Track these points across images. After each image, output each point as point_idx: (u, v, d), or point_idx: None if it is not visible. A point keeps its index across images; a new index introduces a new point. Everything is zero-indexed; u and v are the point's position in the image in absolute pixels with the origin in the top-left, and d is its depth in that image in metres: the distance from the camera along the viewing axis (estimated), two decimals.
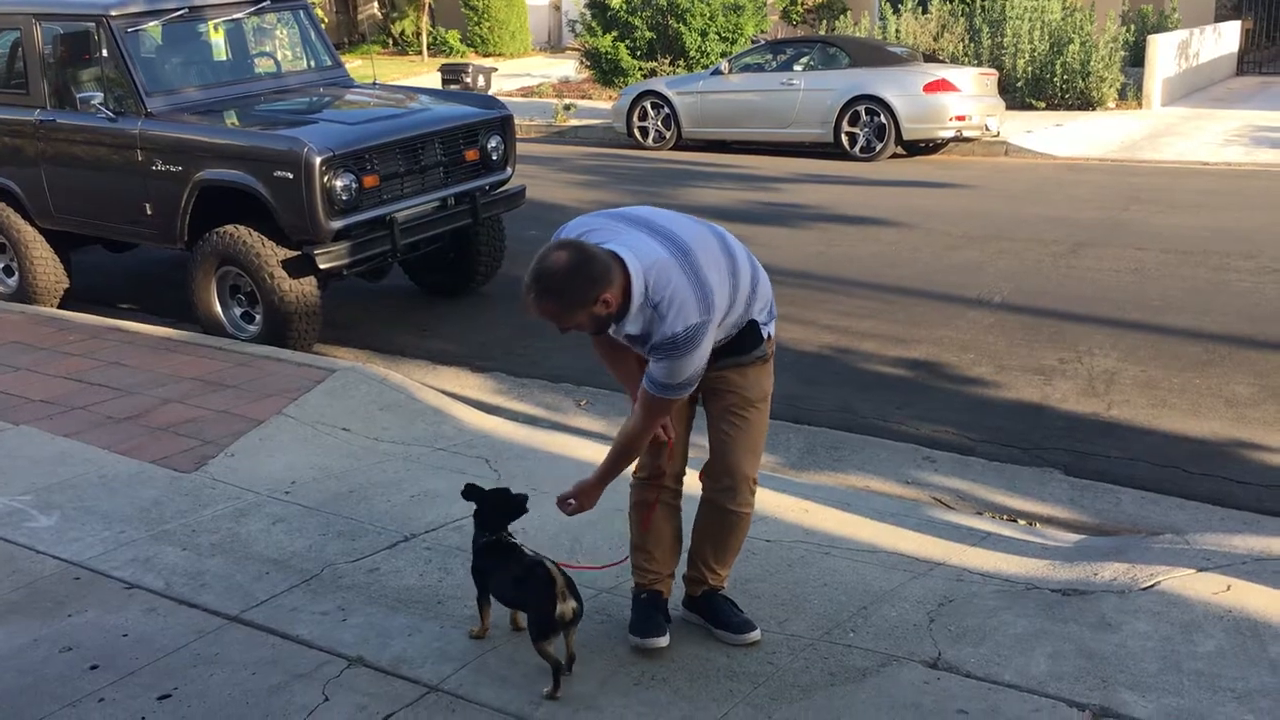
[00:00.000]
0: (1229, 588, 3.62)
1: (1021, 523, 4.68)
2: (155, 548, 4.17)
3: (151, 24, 7.30)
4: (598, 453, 5.07)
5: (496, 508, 3.47)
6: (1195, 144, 14.13)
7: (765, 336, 3.29)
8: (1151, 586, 3.66)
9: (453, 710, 3.16)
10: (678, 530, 3.51)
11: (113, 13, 7.05)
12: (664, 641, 3.40)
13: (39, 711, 3.21)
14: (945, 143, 14.26)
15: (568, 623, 3.17)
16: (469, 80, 20.03)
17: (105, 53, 7.12)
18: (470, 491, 3.50)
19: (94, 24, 7.11)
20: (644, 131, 15.59)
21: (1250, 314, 7.15)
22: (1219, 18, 20.99)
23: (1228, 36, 20.57)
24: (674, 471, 3.45)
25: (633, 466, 3.40)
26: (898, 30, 18.37)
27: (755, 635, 3.44)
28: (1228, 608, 3.50)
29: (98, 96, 7.07)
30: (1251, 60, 21.60)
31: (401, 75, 23.35)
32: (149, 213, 7.14)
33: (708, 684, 3.24)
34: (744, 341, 3.24)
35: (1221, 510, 4.77)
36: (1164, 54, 17.09)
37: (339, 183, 6.50)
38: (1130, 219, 9.91)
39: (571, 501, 3.36)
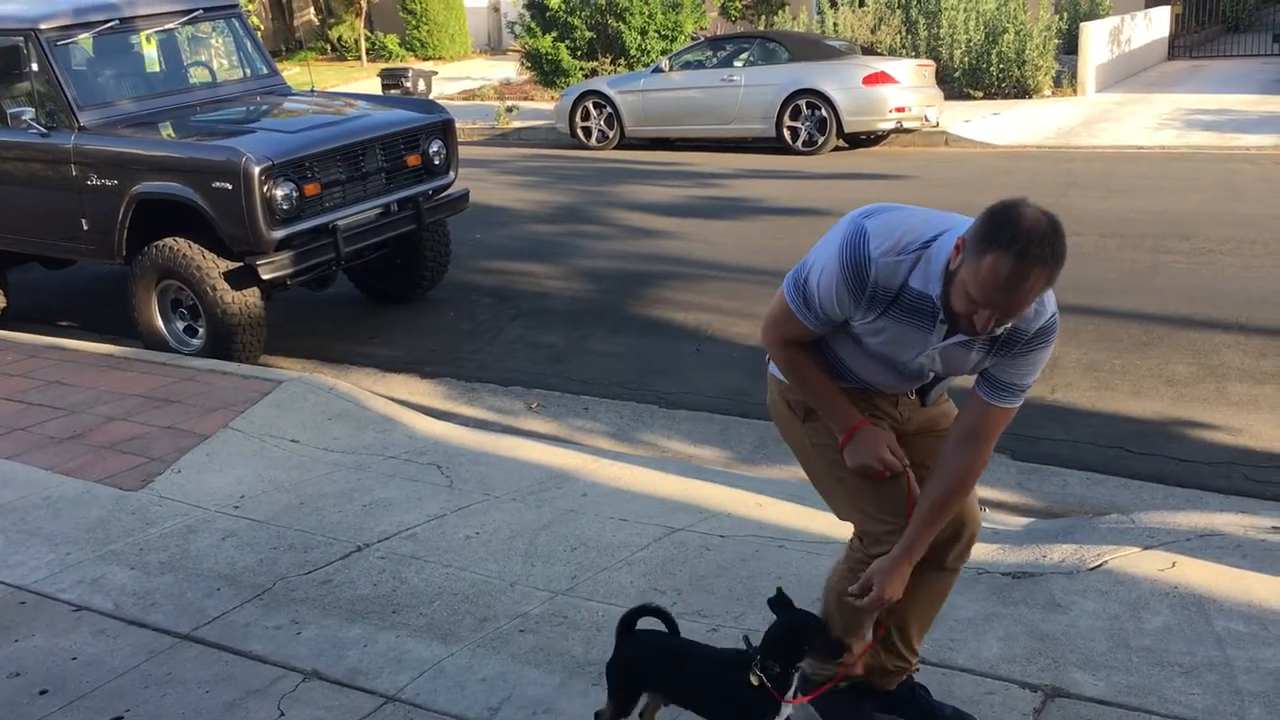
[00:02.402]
0: (1174, 564, 3.69)
1: None
2: (103, 568, 4.11)
3: (82, 36, 7.19)
4: (551, 455, 5.09)
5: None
6: (1130, 128, 14.36)
7: None
8: (1099, 566, 3.72)
9: (411, 719, 3.15)
10: None
11: (41, 26, 6.93)
12: None
13: None
14: (886, 134, 14.38)
15: None
16: (409, 85, 19.93)
17: (35, 67, 6.99)
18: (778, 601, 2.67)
19: (22, 38, 6.98)
20: (587, 131, 15.57)
21: (1188, 294, 7.28)
22: (1149, 3, 21.34)
23: (1158, 22, 20.93)
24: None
25: (858, 544, 2.80)
26: (836, 24, 18.50)
27: None
28: (1173, 584, 3.57)
29: (29, 112, 6.95)
30: (1182, 44, 21.98)
31: (341, 81, 23.16)
32: (86, 228, 7.03)
33: None
34: None
35: (1165, 488, 4.86)
36: (1096, 41, 17.36)
37: (279, 192, 6.43)
38: (1068, 204, 10.04)
39: (872, 593, 2.64)
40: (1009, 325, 2.46)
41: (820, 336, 2.69)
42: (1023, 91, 17.20)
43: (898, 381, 2.73)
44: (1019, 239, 2.29)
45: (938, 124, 14.39)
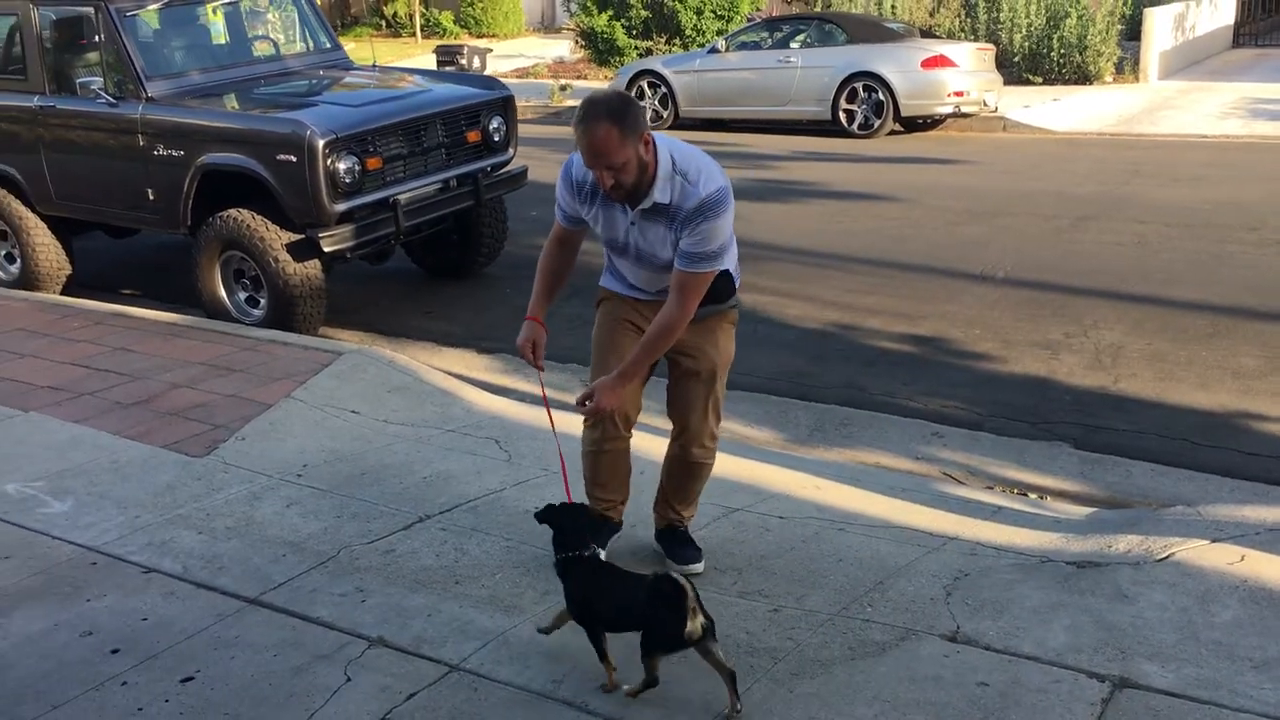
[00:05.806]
0: (1243, 558, 3.63)
1: (1033, 496, 4.70)
2: (171, 532, 4.17)
3: (150, 7, 7.27)
4: None
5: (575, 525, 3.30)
6: (1193, 117, 14.11)
7: (736, 286, 3.60)
8: (1166, 558, 3.67)
9: (475, 689, 3.17)
10: (628, 466, 3.81)
11: None
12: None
13: (61, 695, 3.22)
14: (943, 119, 14.24)
15: (697, 640, 2.93)
16: (464, 61, 19.95)
17: (104, 37, 7.08)
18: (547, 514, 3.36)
19: (92, 8, 7.07)
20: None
21: (1254, 286, 7.15)
22: None
23: (1224, 8, 20.52)
24: (625, 422, 3.69)
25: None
26: (894, 6, 18.31)
27: (698, 567, 3.74)
28: (1242, 578, 3.52)
29: (97, 81, 7.04)
30: (1248, 32, 21.56)
31: (395, 57, 23.23)
32: (151, 198, 7.12)
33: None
34: (719, 288, 3.48)
35: (1231, 481, 4.79)
36: (1161, 27, 17.06)
37: (342, 165, 6.48)
38: (1130, 193, 9.91)
39: (589, 401, 3.48)
40: (666, 199, 3.27)
41: (572, 234, 3.76)
42: (1083, 78, 16.95)
43: (642, 270, 3.54)
44: (581, 108, 3.18)
45: (996, 109, 14.23)
